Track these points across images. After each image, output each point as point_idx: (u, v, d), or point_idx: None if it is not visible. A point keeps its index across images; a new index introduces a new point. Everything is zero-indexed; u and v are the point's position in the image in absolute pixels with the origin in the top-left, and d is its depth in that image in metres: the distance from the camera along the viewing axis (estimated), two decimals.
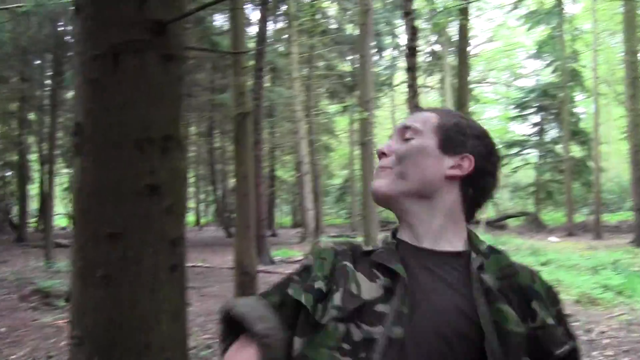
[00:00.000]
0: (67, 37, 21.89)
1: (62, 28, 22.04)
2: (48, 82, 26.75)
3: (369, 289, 1.44)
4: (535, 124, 39.09)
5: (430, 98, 50.22)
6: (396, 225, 1.63)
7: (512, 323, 1.38)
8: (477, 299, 1.41)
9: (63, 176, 40.57)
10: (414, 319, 1.38)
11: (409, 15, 8.38)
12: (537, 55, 38.15)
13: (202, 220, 50.01)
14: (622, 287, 12.83)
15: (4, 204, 36.13)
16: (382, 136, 45.27)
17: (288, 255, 22.93)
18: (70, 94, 26.55)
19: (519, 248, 20.96)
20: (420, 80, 43.01)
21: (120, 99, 2.91)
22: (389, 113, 41.39)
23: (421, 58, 41.82)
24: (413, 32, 7.82)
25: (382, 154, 1.62)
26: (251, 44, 21.46)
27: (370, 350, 1.35)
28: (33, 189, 39.23)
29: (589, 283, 13.25)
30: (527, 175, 43.17)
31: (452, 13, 15.52)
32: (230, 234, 31.56)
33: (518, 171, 41.06)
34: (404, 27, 6.97)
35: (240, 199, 12.47)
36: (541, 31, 36.55)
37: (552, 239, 28.65)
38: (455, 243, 1.56)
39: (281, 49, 31.90)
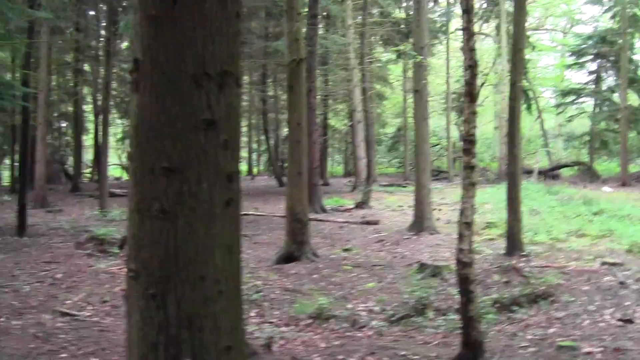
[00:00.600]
0: None
1: None
2: (102, 32, 26.98)
3: None
4: (592, 72, 38.19)
5: (486, 45, 49.34)
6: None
7: None
8: None
9: (117, 127, 41.13)
10: None
11: None
12: (596, 0, 37.02)
13: (255, 170, 50.25)
14: None
15: (59, 154, 36.78)
16: (436, 84, 44.84)
17: (340, 204, 23.05)
18: (125, 44, 26.79)
19: (572, 197, 20.72)
20: (475, 27, 42.29)
21: (179, 35, 2.95)
22: (444, 61, 40.77)
23: (477, 4, 41.06)
24: None
25: None
26: None
27: None
28: (88, 140, 39.84)
29: None
30: (582, 124, 42.28)
31: None
32: (282, 182, 31.77)
33: (573, 120, 40.26)
34: None
35: (293, 146, 12.54)
36: None
37: (606, 188, 28.18)
38: None
39: None
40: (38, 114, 22.49)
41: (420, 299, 8.25)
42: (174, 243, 2.96)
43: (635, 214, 16.64)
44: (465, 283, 5.94)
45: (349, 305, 8.66)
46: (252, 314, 8.16)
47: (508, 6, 33.73)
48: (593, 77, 38.00)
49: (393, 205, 22.79)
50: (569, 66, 40.49)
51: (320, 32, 27.65)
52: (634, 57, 36.20)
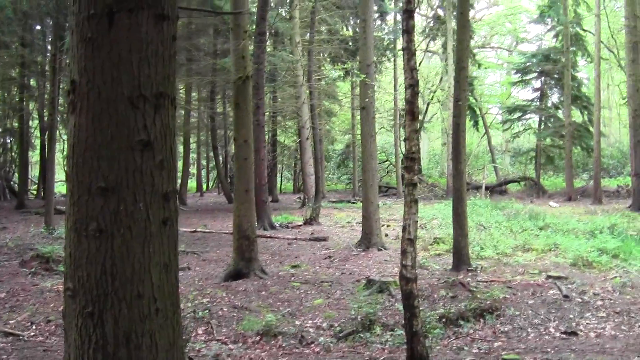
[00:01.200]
0: (67, 1, 21.77)
1: None
2: (49, 47, 26.67)
3: None
4: (536, 89, 38.95)
5: (433, 62, 50.09)
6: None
7: None
8: None
9: (64, 143, 40.49)
10: None
11: None
12: (540, 19, 37.87)
13: (204, 186, 50.04)
14: (618, 250, 12.97)
15: (4, 170, 36.07)
16: (384, 101, 45.27)
17: (289, 220, 23.07)
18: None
19: (519, 212, 21.07)
20: (423, 45, 43.00)
21: (115, 57, 3.00)
22: (392, 78, 41.17)
23: (424, 22, 41.74)
24: None
25: None
26: (253, 9, 21.38)
27: None
28: (34, 156, 39.11)
29: (585, 247, 13.39)
30: (529, 140, 43.18)
31: None
32: (231, 199, 31.60)
33: (519, 136, 41.04)
34: None
35: (240, 163, 12.54)
36: None
37: (552, 203, 28.77)
38: None
39: (283, 13, 31.76)
40: None
41: (367, 314, 8.33)
42: (110, 262, 2.99)
43: (580, 228, 17.01)
44: (409, 298, 6.04)
45: (297, 322, 8.70)
46: (200, 331, 8.16)
47: (454, 25, 34.28)
48: (538, 94, 38.74)
49: (342, 222, 22.90)
50: (515, 83, 41.24)
51: (269, 49, 27.76)
52: (577, 75, 37.11)
